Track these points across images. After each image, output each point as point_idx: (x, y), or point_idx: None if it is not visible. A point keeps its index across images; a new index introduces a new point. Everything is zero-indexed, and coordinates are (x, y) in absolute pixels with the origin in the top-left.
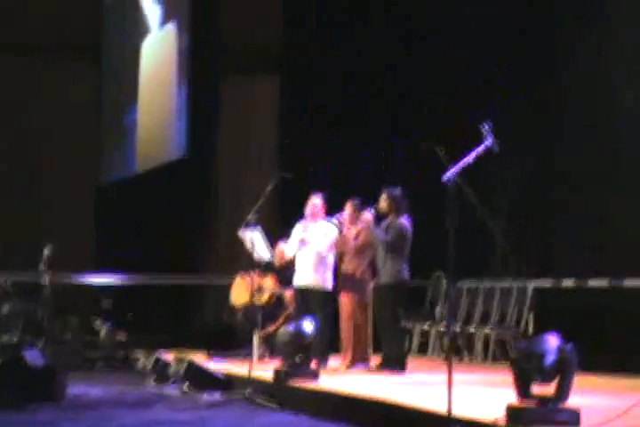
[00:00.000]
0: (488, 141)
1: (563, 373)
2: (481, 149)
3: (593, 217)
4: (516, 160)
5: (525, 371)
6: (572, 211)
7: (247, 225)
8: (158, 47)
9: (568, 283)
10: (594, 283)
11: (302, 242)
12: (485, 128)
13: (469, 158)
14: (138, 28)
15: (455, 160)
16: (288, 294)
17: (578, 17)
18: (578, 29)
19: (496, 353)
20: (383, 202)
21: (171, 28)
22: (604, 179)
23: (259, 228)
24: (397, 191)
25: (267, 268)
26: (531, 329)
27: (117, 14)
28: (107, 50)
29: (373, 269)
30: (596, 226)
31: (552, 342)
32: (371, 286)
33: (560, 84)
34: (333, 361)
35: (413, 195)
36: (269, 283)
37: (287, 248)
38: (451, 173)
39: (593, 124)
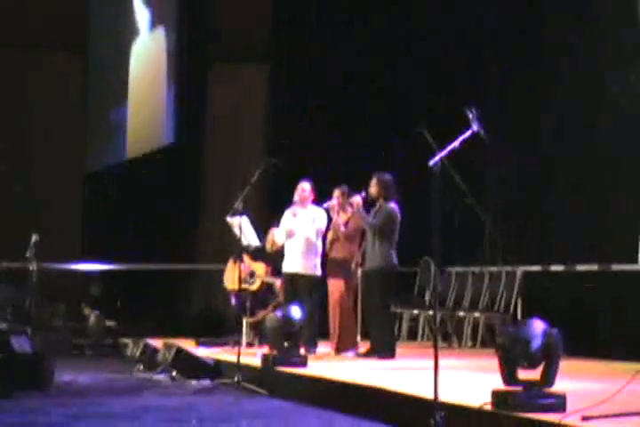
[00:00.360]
0: (474, 127)
1: (548, 358)
2: (467, 134)
3: (582, 203)
4: (505, 151)
5: (511, 356)
6: (562, 198)
7: (234, 212)
8: (148, 46)
9: (556, 267)
10: (582, 268)
11: (290, 234)
12: (471, 114)
13: (456, 144)
14: (127, 30)
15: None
16: (279, 282)
17: (577, 17)
18: (577, 29)
19: (485, 338)
20: (373, 187)
21: (160, 30)
22: (593, 165)
23: (245, 215)
24: (387, 176)
25: (258, 253)
26: (519, 314)
27: (105, 15)
28: (94, 48)
29: (362, 255)
30: (586, 212)
31: (538, 327)
32: (359, 271)
33: (560, 84)
34: (322, 347)
35: (403, 180)
36: (261, 270)
37: (277, 235)
38: (436, 158)
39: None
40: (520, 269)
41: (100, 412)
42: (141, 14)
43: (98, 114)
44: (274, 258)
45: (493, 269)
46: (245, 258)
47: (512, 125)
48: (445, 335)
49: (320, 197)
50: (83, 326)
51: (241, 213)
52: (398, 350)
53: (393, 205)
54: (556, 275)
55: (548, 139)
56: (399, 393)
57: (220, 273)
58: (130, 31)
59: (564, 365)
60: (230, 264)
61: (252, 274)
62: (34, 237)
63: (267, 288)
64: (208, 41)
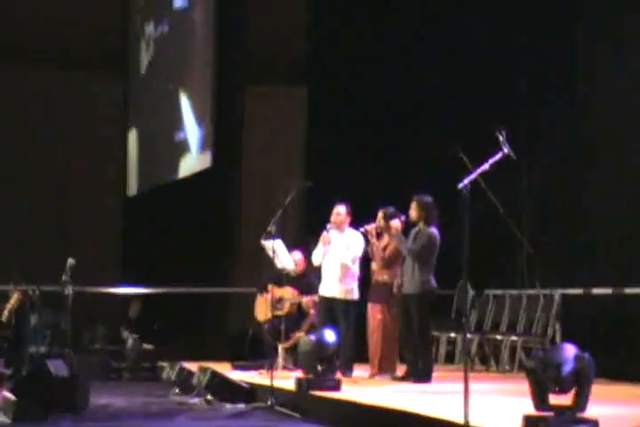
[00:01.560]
0: (504, 149)
1: (580, 382)
2: (497, 156)
3: (621, 226)
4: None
5: (542, 381)
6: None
7: (268, 235)
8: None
9: (595, 290)
10: (621, 291)
11: (326, 244)
12: (501, 136)
13: (486, 166)
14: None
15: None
16: (305, 300)
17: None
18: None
19: (523, 362)
20: (413, 210)
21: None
22: (632, 187)
23: (278, 238)
24: (428, 199)
25: (285, 279)
26: (558, 337)
27: (141, 25)
28: (133, 64)
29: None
30: (623, 234)
31: (569, 351)
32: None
33: (591, 84)
34: (359, 371)
35: (441, 202)
36: (288, 294)
37: (314, 256)
38: (466, 180)
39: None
40: (558, 292)
41: None
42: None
43: (138, 132)
44: (299, 280)
45: (531, 291)
46: (272, 287)
47: (547, 144)
48: (483, 359)
49: (358, 220)
50: (121, 350)
51: (274, 237)
52: (435, 374)
53: (433, 229)
54: (595, 298)
55: (585, 155)
56: (430, 418)
57: (255, 297)
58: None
59: (599, 389)
60: (259, 298)
61: (279, 300)
62: (69, 261)
63: (297, 309)
64: (244, 64)
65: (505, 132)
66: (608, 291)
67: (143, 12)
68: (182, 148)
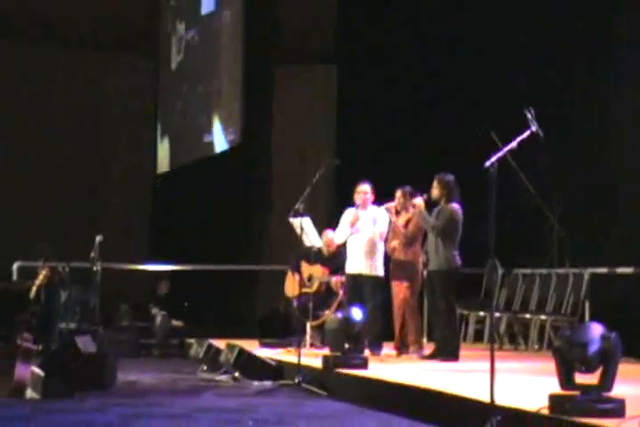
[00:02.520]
0: (532, 127)
1: (607, 362)
2: (525, 134)
3: None
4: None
5: (568, 360)
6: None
7: (296, 213)
8: (215, 38)
9: (624, 269)
10: None
11: (354, 228)
12: (529, 114)
13: (513, 144)
14: (192, 20)
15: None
16: (335, 280)
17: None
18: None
19: (552, 341)
20: (435, 188)
21: (227, 27)
22: None
23: (307, 216)
24: (449, 177)
25: (316, 257)
26: (587, 316)
27: (172, 6)
28: (163, 44)
29: (425, 256)
30: None
31: (596, 330)
32: (424, 273)
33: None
34: (388, 349)
35: (472, 182)
36: (318, 272)
37: (337, 234)
38: (493, 159)
39: None
40: (587, 272)
41: (159, 412)
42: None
43: (167, 112)
44: (330, 260)
45: (561, 271)
46: (303, 264)
47: (577, 125)
48: (512, 338)
49: (382, 198)
50: (150, 326)
51: (302, 215)
52: (463, 353)
53: (455, 206)
54: (625, 277)
55: (616, 138)
56: (456, 396)
57: (285, 274)
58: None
59: (627, 369)
60: (289, 274)
61: (309, 278)
62: (98, 238)
63: (326, 288)
64: (274, 42)
65: (533, 110)
66: (637, 270)
67: None
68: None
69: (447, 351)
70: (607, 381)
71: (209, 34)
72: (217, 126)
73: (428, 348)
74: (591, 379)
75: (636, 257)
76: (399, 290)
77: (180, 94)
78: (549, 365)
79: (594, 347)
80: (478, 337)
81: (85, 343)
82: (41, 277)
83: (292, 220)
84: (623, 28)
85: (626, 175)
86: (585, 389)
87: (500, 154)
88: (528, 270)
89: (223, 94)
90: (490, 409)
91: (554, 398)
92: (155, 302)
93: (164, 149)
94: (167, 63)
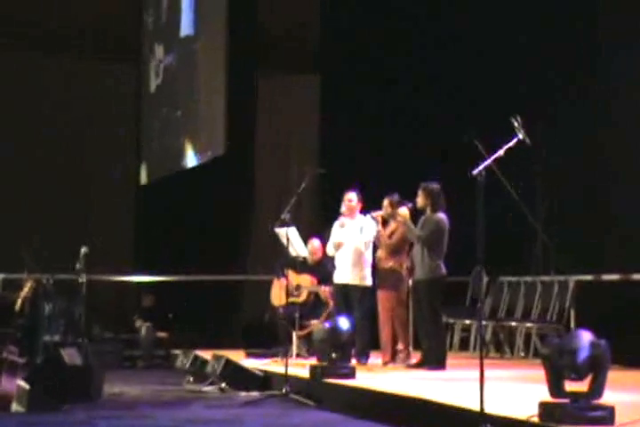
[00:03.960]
0: (519, 135)
1: (596, 369)
2: (512, 142)
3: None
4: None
5: (557, 368)
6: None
7: (282, 223)
8: (197, 50)
9: (609, 276)
10: (637, 277)
11: (339, 246)
12: (516, 122)
13: (500, 152)
14: (176, 30)
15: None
16: (323, 290)
17: None
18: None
19: (537, 348)
20: (420, 197)
21: (208, 29)
22: None
23: (293, 225)
24: (434, 186)
25: (302, 267)
26: (572, 324)
27: (155, 16)
28: (146, 52)
29: (410, 265)
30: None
31: (585, 338)
32: (410, 280)
33: (609, 76)
34: (375, 358)
35: (456, 190)
36: (307, 282)
37: (328, 248)
38: (480, 167)
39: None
40: (572, 279)
41: (146, 424)
42: (186, 21)
43: (151, 122)
44: (316, 268)
45: (546, 278)
46: (290, 273)
47: (564, 134)
48: (498, 346)
49: (369, 207)
50: (135, 338)
51: (288, 224)
52: (449, 361)
53: (441, 215)
54: (610, 284)
55: (604, 144)
56: (446, 405)
57: (271, 284)
58: (179, 30)
59: (615, 376)
60: (275, 282)
61: (297, 287)
62: (83, 250)
63: (314, 298)
64: (258, 51)
65: (520, 118)
66: (622, 277)
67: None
68: (193, 136)
69: (434, 360)
70: (597, 388)
71: (188, 55)
72: (190, 153)
73: (415, 357)
74: (581, 386)
75: (621, 264)
76: (385, 299)
77: (159, 117)
78: (537, 372)
79: (583, 354)
80: (464, 346)
81: (71, 356)
82: (26, 289)
83: (277, 230)
84: (623, 28)
85: (619, 178)
86: (575, 396)
87: (486, 162)
88: (513, 278)
89: (200, 117)
90: (480, 418)
91: (544, 406)
92: (139, 314)
93: (146, 156)
94: (147, 85)
